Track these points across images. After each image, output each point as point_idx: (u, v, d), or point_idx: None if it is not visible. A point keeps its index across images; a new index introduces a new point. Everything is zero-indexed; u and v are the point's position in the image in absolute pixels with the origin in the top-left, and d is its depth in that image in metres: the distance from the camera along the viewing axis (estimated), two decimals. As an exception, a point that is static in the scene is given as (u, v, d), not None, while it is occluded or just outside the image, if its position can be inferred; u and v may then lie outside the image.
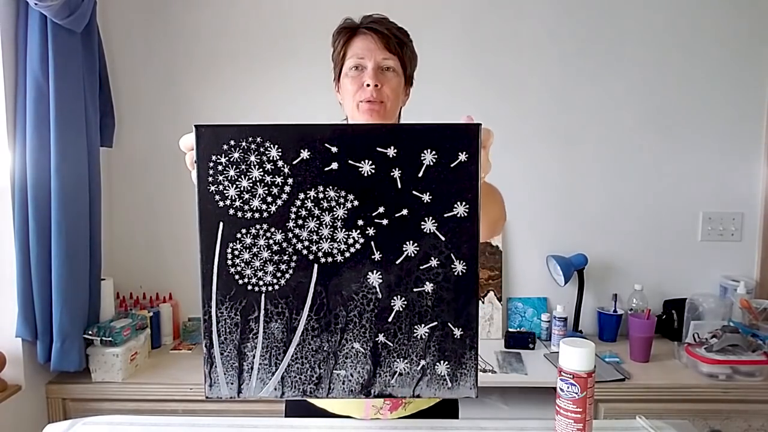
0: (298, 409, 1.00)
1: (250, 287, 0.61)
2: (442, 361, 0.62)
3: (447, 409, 1.04)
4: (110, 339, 1.60)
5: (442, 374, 0.62)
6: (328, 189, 0.59)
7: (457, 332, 0.61)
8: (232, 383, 0.62)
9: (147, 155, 2.00)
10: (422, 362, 0.62)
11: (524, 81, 1.98)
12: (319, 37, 1.94)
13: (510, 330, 1.95)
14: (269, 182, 0.59)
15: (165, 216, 2.02)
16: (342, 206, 0.60)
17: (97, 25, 1.70)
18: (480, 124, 0.59)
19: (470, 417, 0.96)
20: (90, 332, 1.61)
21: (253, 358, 0.61)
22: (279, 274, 0.61)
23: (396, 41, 1.00)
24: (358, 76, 0.99)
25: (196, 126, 0.60)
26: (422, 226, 0.60)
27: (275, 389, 0.61)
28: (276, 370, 0.61)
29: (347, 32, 1.01)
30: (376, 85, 0.97)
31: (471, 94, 1.98)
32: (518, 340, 1.88)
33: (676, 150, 2.00)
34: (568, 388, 0.77)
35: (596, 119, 2.00)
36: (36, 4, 1.41)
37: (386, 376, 0.62)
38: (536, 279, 2.04)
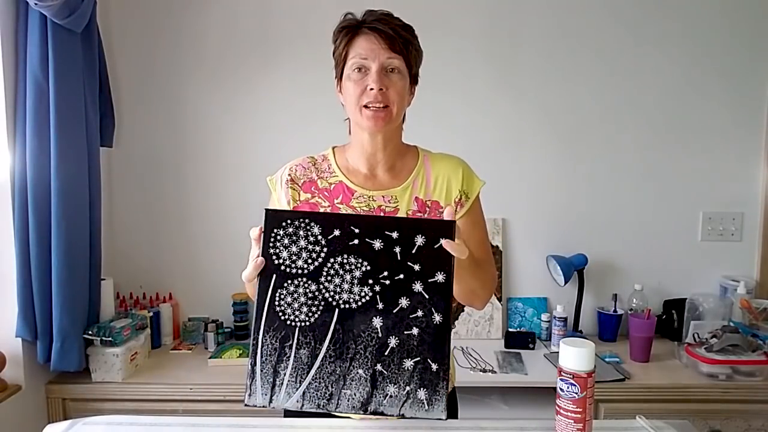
0: (298, 409, 1.00)
1: (288, 322, 0.81)
2: (422, 388, 0.79)
3: (447, 410, 1.04)
4: (110, 339, 1.60)
5: (422, 399, 0.79)
6: (350, 257, 0.81)
7: (434, 366, 0.80)
8: (266, 394, 0.81)
9: (147, 155, 2.00)
10: (407, 388, 0.80)
11: (526, 81, 1.98)
12: (321, 38, 1.94)
13: (510, 330, 1.95)
14: (310, 249, 0.82)
15: (165, 216, 2.02)
16: (358, 269, 0.81)
17: (97, 25, 1.70)
18: (455, 222, 0.81)
19: (470, 417, 0.96)
20: (90, 332, 1.61)
21: (284, 376, 0.81)
22: (310, 314, 0.81)
23: (401, 41, 0.95)
24: (362, 79, 0.95)
25: (265, 209, 0.84)
26: (413, 287, 0.81)
27: (297, 401, 0.80)
28: (300, 386, 0.80)
29: (349, 31, 0.97)
30: (380, 89, 0.94)
31: (474, 94, 1.98)
32: (518, 340, 1.88)
33: (676, 150, 2.00)
34: (568, 388, 0.77)
35: (597, 120, 2.00)
36: (36, 4, 1.41)
37: (380, 397, 0.80)
38: (536, 279, 2.04)
